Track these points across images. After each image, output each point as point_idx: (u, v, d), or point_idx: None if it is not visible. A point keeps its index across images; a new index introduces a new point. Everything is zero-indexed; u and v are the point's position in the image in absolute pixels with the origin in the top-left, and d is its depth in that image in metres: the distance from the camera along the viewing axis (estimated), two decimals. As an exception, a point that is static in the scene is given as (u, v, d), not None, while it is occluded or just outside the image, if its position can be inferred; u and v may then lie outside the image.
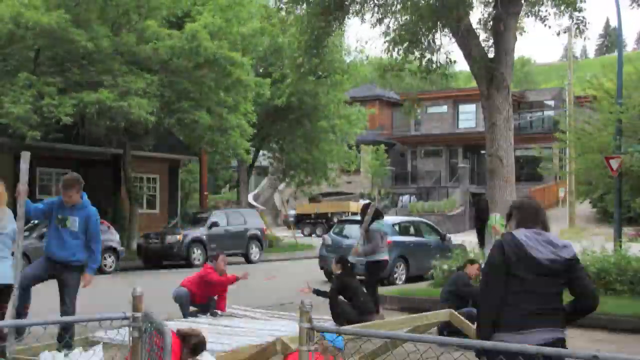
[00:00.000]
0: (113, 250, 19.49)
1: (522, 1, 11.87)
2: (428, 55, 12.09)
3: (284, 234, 31.35)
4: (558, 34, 12.85)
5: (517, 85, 58.15)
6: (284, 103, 26.61)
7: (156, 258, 21.12)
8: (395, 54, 12.14)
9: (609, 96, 18.33)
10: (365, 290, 9.42)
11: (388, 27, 12.26)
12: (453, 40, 12.06)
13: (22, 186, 6.59)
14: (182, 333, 5.41)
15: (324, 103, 28.00)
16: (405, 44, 11.82)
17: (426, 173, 44.46)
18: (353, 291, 9.03)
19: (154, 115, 19.30)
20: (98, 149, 23.21)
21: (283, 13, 13.45)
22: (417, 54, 12.06)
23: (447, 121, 44.60)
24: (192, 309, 9.44)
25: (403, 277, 15.73)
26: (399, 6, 11.98)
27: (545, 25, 12.35)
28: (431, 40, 11.94)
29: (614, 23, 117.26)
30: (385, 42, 12.04)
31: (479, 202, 13.09)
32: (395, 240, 15.96)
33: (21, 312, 6.97)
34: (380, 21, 12.42)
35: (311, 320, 3.41)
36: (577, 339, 8.91)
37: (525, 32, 13.16)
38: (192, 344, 5.38)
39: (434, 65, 12.22)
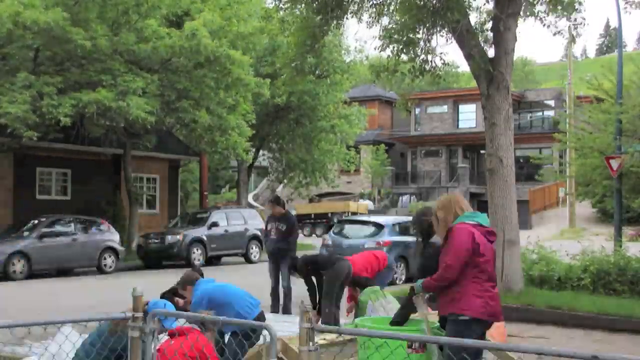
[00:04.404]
0: (113, 250, 19.51)
1: (522, 1, 11.85)
2: (422, 56, 12.07)
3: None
4: (555, 34, 12.82)
5: (517, 85, 58.14)
6: (283, 102, 26.59)
7: (156, 258, 21.12)
8: (389, 53, 12.11)
9: (609, 96, 18.34)
10: None
11: (382, 25, 12.22)
12: (452, 40, 12.04)
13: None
14: None
15: (324, 103, 28.01)
16: (401, 45, 11.78)
17: (426, 173, 44.46)
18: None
19: (154, 114, 19.28)
20: (98, 149, 23.21)
21: (282, 13, 13.42)
22: (411, 54, 12.02)
23: (447, 121, 44.59)
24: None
25: (403, 277, 15.76)
26: (395, 6, 11.96)
27: (544, 25, 12.36)
28: (427, 41, 11.92)
29: (614, 23, 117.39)
30: (380, 39, 11.99)
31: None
32: (395, 240, 15.98)
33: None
34: (376, 20, 12.39)
35: (311, 320, 3.41)
36: (577, 339, 8.92)
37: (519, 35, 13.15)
38: None
39: (429, 66, 12.19)
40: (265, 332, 3.46)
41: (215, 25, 19.73)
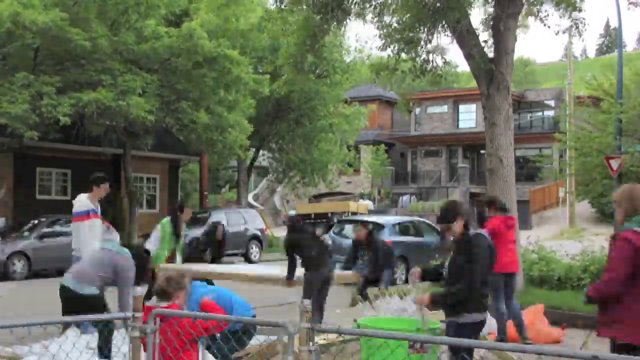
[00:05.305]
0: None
1: (523, 1, 11.86)
2: (423, 55, 12.07)
3: (284, 234, 31.32)
4: (557, 33, 12.87)
5: (517, 85, 58.13)
6: (286, 93, 26.49)
7: (156, 258, 21.11)
8: (390, 52, 12.12)
9: (609, 96, 18.35)
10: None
11: (384, 24, 12.21)
12: (453, 40, 12.05)
13: None
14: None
15: (324, 103, 28.00)
16: (401, 44, 11.79)
17: (426, 173, 44.44)
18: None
19: (153, 113, 19.28)
20: (98, 149, 23.20)
21: (284, 13, 13.44)
22: (412, 53, 12.03)
23: (447, 121, 44.58)
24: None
25: (403, 277, 15.76)
26: (396, 5, 11.97)
27: (545, 25, 12.36)
28: (427, 40, 11.92)
29: (614, 23, 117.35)
30: (381, 38, 12.00)
31: None
32: (395, 240, 15.98)
33: None
34: (379, 19, 12.39)
35: (310, 320, 3.41)
36: (578, 339, 8.92)
37: (527, 30, 13.15)
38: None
39: (429, 66, 12.20)
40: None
41: (213, 24, 19.72)
